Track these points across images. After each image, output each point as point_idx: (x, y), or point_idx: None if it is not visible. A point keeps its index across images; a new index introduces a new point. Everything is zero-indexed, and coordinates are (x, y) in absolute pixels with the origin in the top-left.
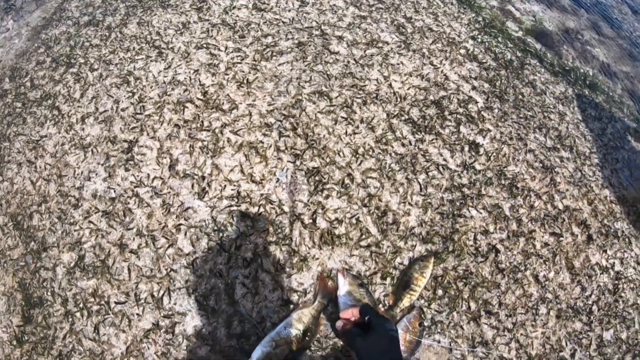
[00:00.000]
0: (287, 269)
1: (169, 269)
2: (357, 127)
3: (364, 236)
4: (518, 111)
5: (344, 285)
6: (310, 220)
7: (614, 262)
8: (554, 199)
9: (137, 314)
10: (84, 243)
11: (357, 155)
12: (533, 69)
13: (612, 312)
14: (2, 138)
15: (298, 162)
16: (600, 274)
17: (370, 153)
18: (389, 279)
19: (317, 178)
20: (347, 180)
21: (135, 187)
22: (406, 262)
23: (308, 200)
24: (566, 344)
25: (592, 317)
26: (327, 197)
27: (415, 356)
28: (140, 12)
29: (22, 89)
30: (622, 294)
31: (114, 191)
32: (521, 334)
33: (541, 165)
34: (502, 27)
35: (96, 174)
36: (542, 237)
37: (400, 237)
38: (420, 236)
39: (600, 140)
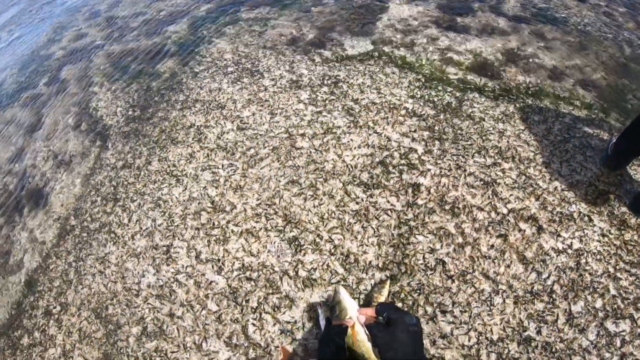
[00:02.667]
0: (282, 309)
1: (203, 324)
2: (321, 199)
3: (333, 276)
4: (457, 144)
5: (321, 314)
6: (294, 273)
7: (571, 242)
8: (497, 207)
9: (186, 358)
10: (145, 318)
11: (323, 220)
12: (471, 102)
13: (579, 286)
14: (78, 259)
15: (281, 235)
16: (557, 256)
17: (333, 215)
18: (356, 302)
19: (296, 243)
20: (317, 239)
21: (175, 275)
22: (369, 287)
23: (291, 260)
24: (529, 324)
25: (554, 296)
26: (304, 254)
27: None
28: (159, 151)
29: (85, 222)
30: (587, 267)
31: (162, 280)
32: (479, 324)
33: (481, 182)
34: (442, 76)
35: (148, 272)
36: (488, 241)
37: (362, 270)
38: (378, 267)
39: (546, 139)
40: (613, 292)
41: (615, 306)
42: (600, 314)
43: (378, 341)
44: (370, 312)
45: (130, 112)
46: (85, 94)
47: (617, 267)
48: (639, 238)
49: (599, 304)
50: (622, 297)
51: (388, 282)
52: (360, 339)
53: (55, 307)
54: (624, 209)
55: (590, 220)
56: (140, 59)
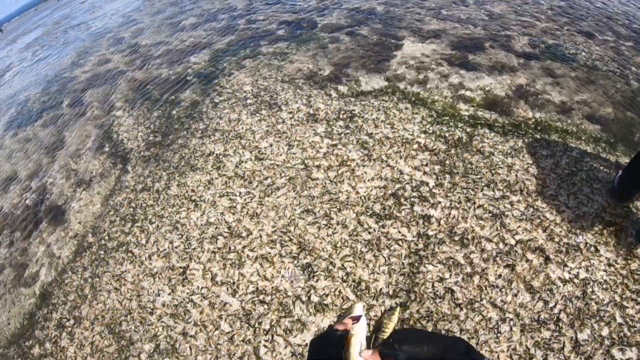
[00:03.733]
0: (293, 332)
1: (216, 344)
2: (335, 228)
3: (345, 302)
4: (467, 178)
5: None
6: (307, 298)
7: (577, 272)
8: (504, 238)
9: None
10: (159, 335)
11: (336, 248)
12: (481, 138)
13: (585, 314)
14: (94, 276)
15: (295, 262)
16: (563, 285)
17: (346, 244)
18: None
19: (309, 269)
20: (330, 267)
21: (190, 295)
22: (379, 313)
23: (304, 285)
24: (535, 352)
25: (560, 324)
26: (317, 280)
27: None
28: (178, 176)
29: (102, 241)
30: (593, 296)
31: (177, 300)
32: (486, 350)
33: (490, 214)
34: (453, 112)
35: (163, 291)
36: (496, 271)
37: (373, 297)
38: (388, 294)
39: (554, 173)
40: (619, 320)
41: (622, 334)
42: (607, 342)
43: None
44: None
45: (151, 138)
46: (107, 118)
47: (624, 295)
48: None
49: (605, 332)
50: (628, 324)
51: (398, 309)
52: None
53: (68, 320)
54: (630, 239)
55: (597, 250)
56: (161, 86)
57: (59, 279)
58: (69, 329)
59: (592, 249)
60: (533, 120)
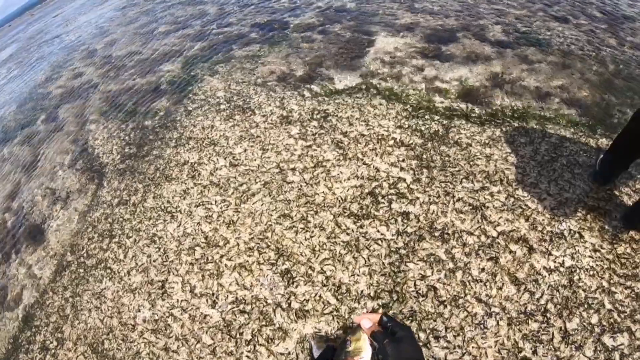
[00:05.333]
0: (275, 340)
1: (198, 358)
2: (312, 232)
3: (326, 307)
4: (445, 171)
5: (314, 346)
6: (287, 305)
7: (563, 260)
8: (486, 230)
9: None
10: (141, 352)
11: (315, 252)
12: (458, 129)
13: (573, 303)
14: (74, 295)
15: (274, 268)
16: (549, 275)
17: (324, 247)
18: (349, 332)
19: (288, 275)
20: (309, 271)
21: (170, 309)
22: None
23: (284, 292)
24: (524, 345)
25: (548, 315)
26: (296, 286)
27: None
28: (153, 188)
29: (81, 259)
30: (580, 284)
31: (157, 315)
32: (473, 347)
33: (470, 207)
34: (429, 105)
35: (143, 307)
36: (479, 265)
37: (354, 300)
38: (370, 295)
39: (533, 160)
40: (608, 306)
41: (612, 320)
42: (597, 330)
43: (386, 353)
44: (375, 318)
45: (125, 150)
46: (82, 132)
47: (612, 281)
48: (632, 251)
49: (594, 319)
50: (618, 310)
51: (380, 311)
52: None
53: (51, 342)
54: (614, 222)
55: (581, 236)
56: (135, 97)
57: (41, 300)
58: (52, 351)
59: (577, 235)
60: (510, 108)
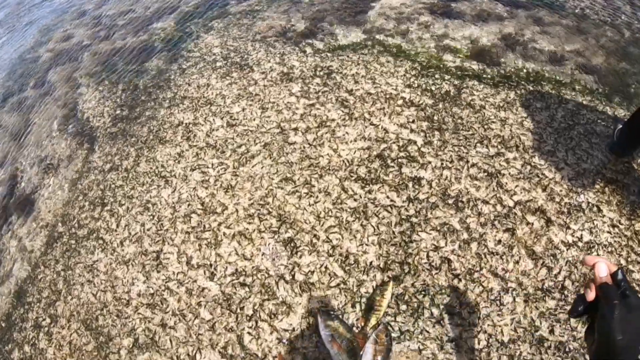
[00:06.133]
0: (279, 315)
1: (197, 334)
2: (317, 197)
3: (332, 279)
4: (457, 134)
5: (321, 323)
6: (291, 277)
7: (581, 235)
8: (502, 199)
9: None
10: (137, 329)
11: (320, 219)
12: (471, 90)
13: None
14: (66, 268)
15: (276, 237)
16: (567, 250)
17: (330, 214)
18: (357, 306)
19: (291, 245)
20: (314, 240)
21: (166, 282)
22: (370, 290)
23: (287, 263)
24: (541, 323)
25: (566, 292)
26: (300, 256)
27: None
28: (146, 151)
29: (73, 229)
30: None
31: (152, 288)
32: (488, 325)
33: (485, 174)
34: (439, 64)
35: (137, 280)
36: (495, 236)
37: (362, 272)
38: (379, 267)
39: (550, 127)
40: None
41: None
42: None
43: (611, 316)
44: (612, 268)
45: (117, 112)
46: (72, 96)
47: (629, 259)
48: None
49: None
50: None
51: (391, 283)
52: None
53: (44, 320)
54: (632, 197)
55: (600, 210)
56: (127, 57)
57: (32, 275)
58: (46, 328)
59: (595, 209)
60: (524, 70)
